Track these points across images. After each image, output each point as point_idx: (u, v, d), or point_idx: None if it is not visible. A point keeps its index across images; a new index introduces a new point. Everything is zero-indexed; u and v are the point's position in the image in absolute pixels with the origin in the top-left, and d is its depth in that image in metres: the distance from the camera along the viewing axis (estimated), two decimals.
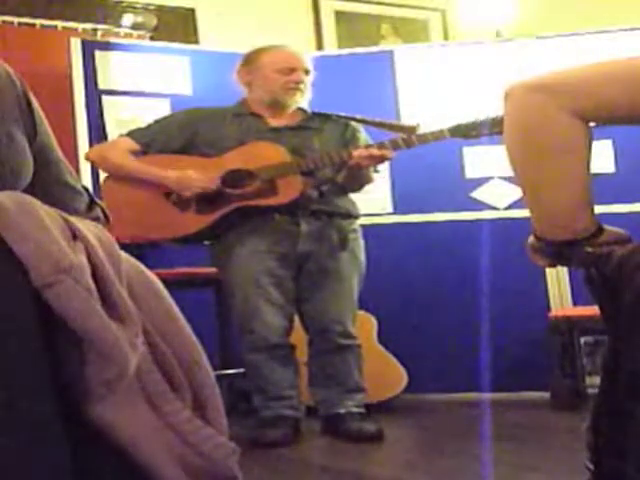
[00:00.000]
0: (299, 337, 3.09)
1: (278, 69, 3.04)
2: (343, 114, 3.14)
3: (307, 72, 3.07)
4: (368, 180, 3.06)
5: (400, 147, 2.89)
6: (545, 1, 4.70)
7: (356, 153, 2.87)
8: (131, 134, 3.07)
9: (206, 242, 3.45)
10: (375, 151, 2.87)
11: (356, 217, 3.12)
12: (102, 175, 3.26)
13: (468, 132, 2.90)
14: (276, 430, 2.85)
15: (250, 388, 3.03)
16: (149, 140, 3.05)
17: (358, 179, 3.02)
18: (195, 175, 2.92)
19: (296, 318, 3.07)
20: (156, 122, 3.14)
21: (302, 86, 3.05)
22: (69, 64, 3.74)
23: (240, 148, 2.97)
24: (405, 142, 2.89)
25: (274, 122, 3.08)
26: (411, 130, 2.97)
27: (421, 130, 2.98)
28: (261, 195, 2.92)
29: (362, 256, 3.09)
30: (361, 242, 3.10)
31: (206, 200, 2.94)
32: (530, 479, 2.26)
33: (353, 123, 3.13)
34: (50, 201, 1.02)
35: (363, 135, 3.12)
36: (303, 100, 3.09)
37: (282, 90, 3.04)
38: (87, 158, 3.21)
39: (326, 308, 3.00)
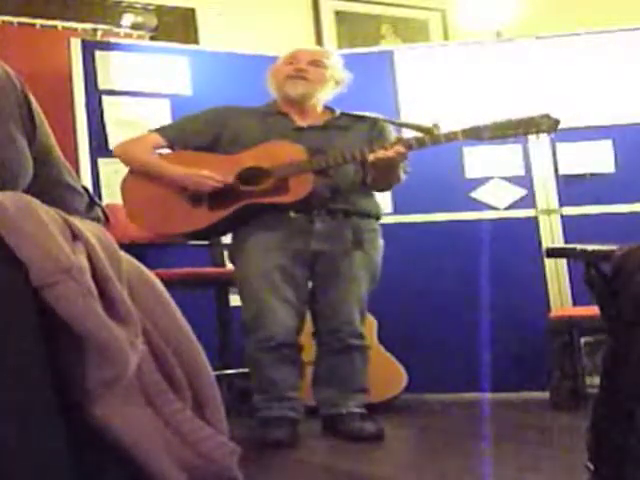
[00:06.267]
0: (305, 337, 3.07)
1: (284, 62, 3.08)
2: (370, 113, 3.13)
3: (315, 63, 3.05)
4: (398, 180, 3.04)
5: (413, 147, 2.89)
6: (545, 1, 4.70)
7: (372, 156, 2.86)
8: (159, 130, 3.09)
9: (204, 242, 3.48)
10: (391, 153, 2.86)
11: (377, 217, 3.10)
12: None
13: (482, 134, 2.89)
14: (277, 430, 2.84)
15: (252, 386, 3.01)
16: (176, 136, 3.06)
17: (387, 178, 3.01)
18: (209, 173, 2.93)
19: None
20: (184, 119, 3.16)
21: (304, 74, 3.02)
22: (69, 64, 3.75)
23: (259, 146, 2.98)
24: (418, 142, 2.89)
25: (300, 121, 3.07)
26: (429, 131, 2.96)
27: (440, 130, 2.97)
28: (272, 193, 2.92)
29: (377, 257, 3.05)
30: (379, 242, 3.07)
31: (219, 197, 2.94)
32: (530, 479, 2.26)
33: (382, 122, 3.12)
34: (50, 201, 1.02)
35: (391, 134, 3.10)
36: (312, 92, 3.04)
37: (284, 80, 3.05)
38: (114, 154, 3.20)
39: (337, 308, 2.98)
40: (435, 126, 2.99)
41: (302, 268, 2.98)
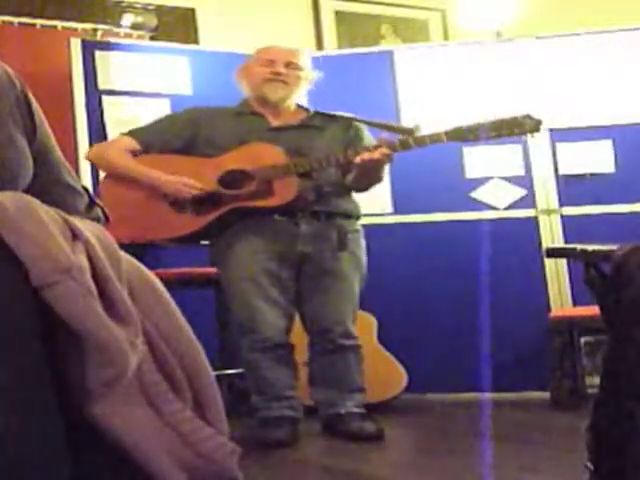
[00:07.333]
0: (299, 337, 3.09)
1: (260, 63, 3.08)
2: (345, 114, 3.13)
3: (292, 65, 3.05)
4: (380, 181, 3.05)
5: (397, 149, 2.89)
6: (545, 1, 4.70)
7: (358, 158, 2.86)
8: (132, 133, 3.06)
9: (203, 242, 3.47)
10: (377, 155, 2.86)
11: (357, 217, 3.12)
12: (102, 174, 3.25)
13: (466, 136, 2.90)
14: (277, 430, 2.85)
15: (250, 388, 3.02)
16: (150, 139, 3.04)
17: (370, 179, 3.01)
18: (190, 180, 2.92)
19: (296, 318, 3.07)
20: (157, 121, 3.14)
21: (283, 78, 3.04)
22: (69, 64, 3.74)
23: (239, 148, 2.97)
24: (402, 144, 2.89)
25: (275, 121, 3.08)
26: (410, 132, 2.96)
27: (420, 132, 2.98)
28: (257, 196, 2.92)
29: (363, 256, 3.08)
30: (362, 242, 3.09)
31: (203, 201, 2.93)
32: (530, 479, 2.26)
33: (356, 123, 3.12)
34: (50, 201, 1.02)
35: (367, 135, 3.11)
36: (289, 94, 3.06)
37: (261, 82, 3.05)
38: (86, 158, 3.22)
39: (327, 309, 3.00)
40: (416, 127, 2.99)
41: (289, 270, 2.98)
